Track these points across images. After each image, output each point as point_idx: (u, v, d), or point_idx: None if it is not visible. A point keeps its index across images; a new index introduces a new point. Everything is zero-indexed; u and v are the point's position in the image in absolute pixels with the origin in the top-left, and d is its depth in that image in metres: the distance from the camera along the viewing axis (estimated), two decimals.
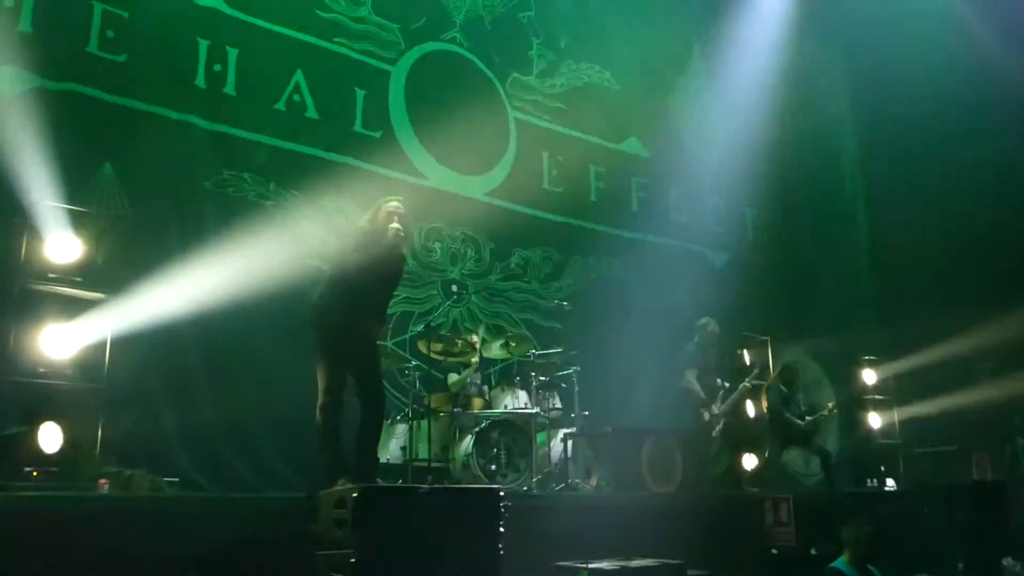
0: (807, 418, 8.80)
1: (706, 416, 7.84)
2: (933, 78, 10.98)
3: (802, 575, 5.97)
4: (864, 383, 10.26)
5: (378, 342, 5.50)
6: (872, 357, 10.36)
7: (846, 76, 13.07)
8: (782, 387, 8.81)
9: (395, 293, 5.82)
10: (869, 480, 9.88)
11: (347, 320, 5.13)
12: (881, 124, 12.18)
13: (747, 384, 8.13)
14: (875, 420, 10.17)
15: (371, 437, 5.22)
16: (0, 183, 5.63)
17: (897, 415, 10.18)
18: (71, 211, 5.36)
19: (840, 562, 5.65)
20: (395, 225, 5.25)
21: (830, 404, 9.44)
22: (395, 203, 5.39)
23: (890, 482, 9.80)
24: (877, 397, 10.30)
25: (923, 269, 10.87)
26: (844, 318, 11.24)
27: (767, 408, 8.74)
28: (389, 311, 7.98)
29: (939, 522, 7.09)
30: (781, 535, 6.32)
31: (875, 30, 11.95)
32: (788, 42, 11.71)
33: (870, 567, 5.65)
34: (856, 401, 10.25)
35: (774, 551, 6.16)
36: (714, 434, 7.84)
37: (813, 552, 6.12)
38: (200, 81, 7.43)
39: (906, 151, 11.46)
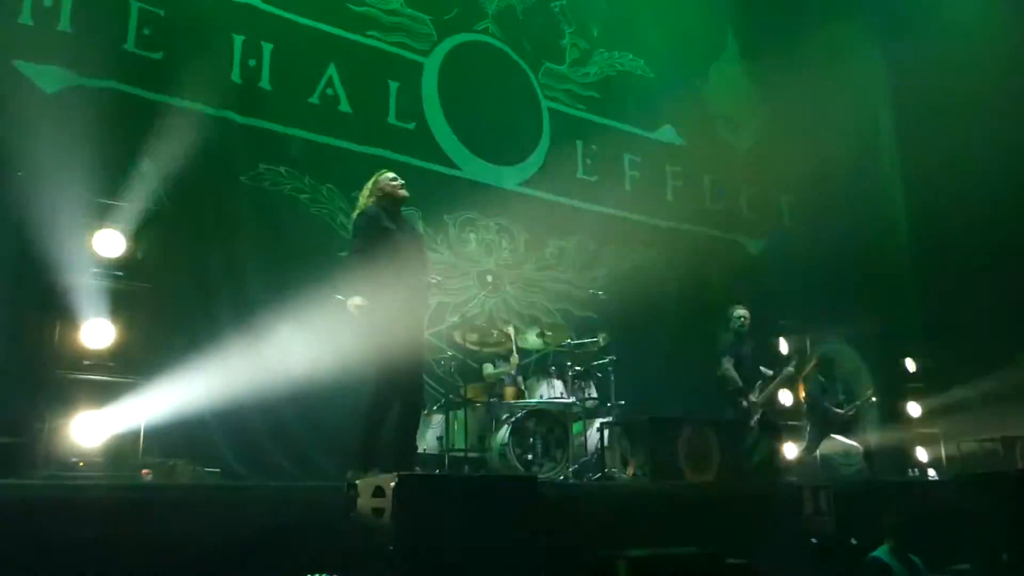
0: (846, 406, 8.70)
1: (744, 404, 7.79)
2: (973, 56, 10.76)
3: (842, 565, 5.91)
4: (904, 370, 10.14)
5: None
6: (912, 345, 10.23)
7: (883, 57, 12.86)
8: (820, 376, 8.72)
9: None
10: (911, 469, 9.77)
11: (399, 308, 5.18)
12: (920, 105, 11.95)
13: (787, 370, 8.08)
14: (915, 408, 10.05)
15: (412, 427, 5.28)
16: (42, 180, 5.74)
17: (938, 403, 10.04)
18: (112, 206, 5.46)
19: (881, 551, 5.58)
20: (403, 192, 5.53)
21: (869, 392, 9.33)
22: (392, 173, 5.64)
23: (932, 471, 9.67)
24: (917, 385, 10.17)
25: (964, 254, 10.68)
26: (883, 305, 11.08)
27: (805, 397, 8.66)
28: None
29: (983, 511, 6.97)
30: (821, 524, 6.26)
31: (913, 8, 11.75)
32: (823, 24, 11.55)
33: (912, 557, 5.57)
34: (896, 389, 10.13)
35: (814, 540, 6.10)
36: (752, 423, 7.79)
37: (854, 541, 6.06)
38: (235, 76, 7.51)
39: (945, 132, 11.23)
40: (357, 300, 5.17)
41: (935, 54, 11.35)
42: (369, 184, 5.70)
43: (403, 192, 5.60)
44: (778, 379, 8.03)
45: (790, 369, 8.21)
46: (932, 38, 11.43)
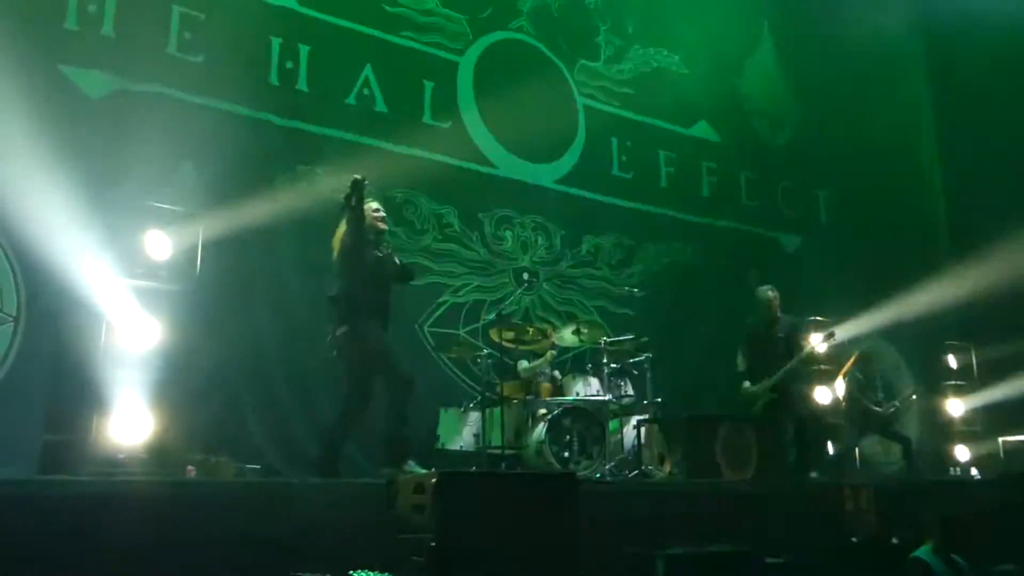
0: (885, 404, 8.59)
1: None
2: (1014, 49, 10.58)
3: (883, 564, 5.85)
4: (946, 368, 10.00)
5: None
6: (953, 342, 10.09)
7: (922, 49, 12.67)
8: (858, 373, 8.61)
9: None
10: (952, 468, 9.65)
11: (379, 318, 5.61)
12: (960, 99, 11.78)
13: (793, 363, 7.54)
14: (956, 406, 9.92)
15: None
16: (88, 183, 5.86)
17: (980, 400, 9.90)
18: (156, 209, 5.57)
19: (923, 551, 5.51)
20: (382, 225, 5.75)
21: (909, 390, 9.22)
22: (376, 204, 5.82)
23: (974, 470, 9.55)
24: (959, 383, 10.03)
25: (1005, 248, 10.48)
26: (924, 301, 10.91)
27: (844, 395, 8.57)
28: (461, 299, 8.17)
29: None
30: (861, 523, 6.20)
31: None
32: (861, 15, 11.41)
33: (955, 556, 5.51)
34: (937, 387, 10.00)
35: (854, 539, 6.05)
36: (755, 408, 7.48)
37: (895, 541, 6.00)
38: (273, 79, 7.61)
39: (987, 125, 11.06)
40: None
41: (976, 45, 11.18)
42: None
43: (383, 225, 5.80)
44: (785, 368, 7.49)
45: (792, 362, 7.80)
46: (974, 29, 11.25)
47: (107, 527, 3.91)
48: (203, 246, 5.88)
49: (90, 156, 6.16)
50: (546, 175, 9.15)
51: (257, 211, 7.10)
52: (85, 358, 5.33)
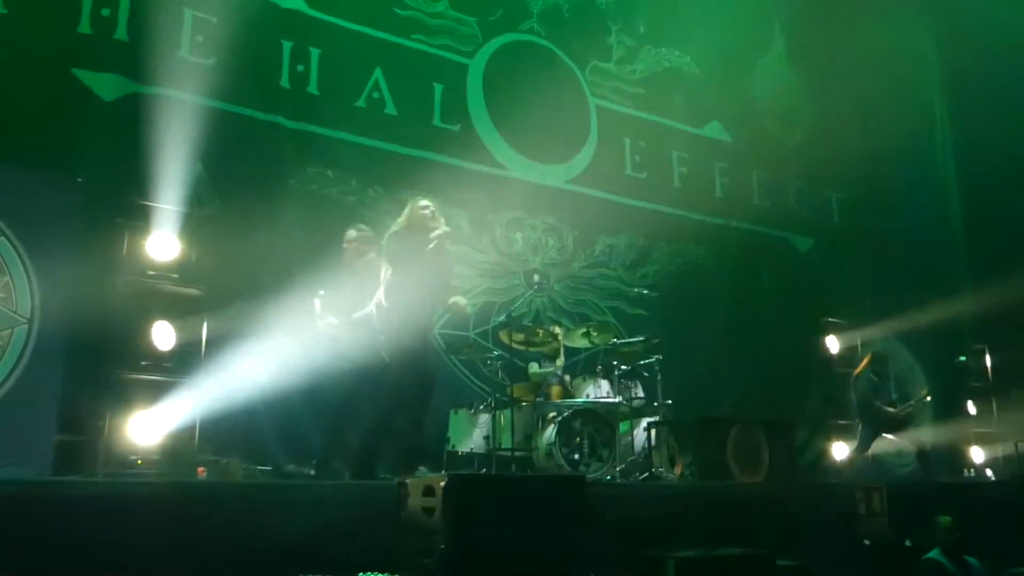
0: (899, 406, 8.53)
1: None
2: None
3: (896, 566, 5.82)
4: (961, 369, 9.95)
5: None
6: (968, 343, 10.03)
7: (935, 49, 12.62)
8: (872, 375, 8.56)
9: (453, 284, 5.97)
10: (966, 469, 9.59)
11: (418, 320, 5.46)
12: (974, 98, 11.70)
13: None
14: (971, 407, 9.85)
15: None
16: (101, 185, 5.90)
17: (995, 402, 9.82)
18: (167, 210, 5.60)
19: (936, 553, 5.50)
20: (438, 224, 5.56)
21: (923, 391, 9.16)
22: (425, 201, 5.71)
23: (989, 472, 9.48)
24: (974, 384, 9.96)
25: (1022, 248, 10.42)
26: (938, 302, 10.85)
27: (857, 396, 8.53)
28: (471, 302, 8.16)
29: None
30: (874, 525, 6.17)
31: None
32: (874, 17, 11.36)
33: (968, 558, 5.48)
34: (951, 387, 9.93)
35: (867, 542, 6.02)
36: None
37: (908, 543, 5.97)
38: (284, 82, 7.63)
39: (1001, 125, 10.98)
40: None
41: (990, 45, 11.11)
42: (409, 206, 5.81)
43: (431, 225, 5.61)
44: None
45: None
46: (987, 28, 11.18)
47: (119, 528, 3.94)
48: (214, 248, 5.90)
49: (103, 159, 6.20)
50: (558, 176, 9.15)
51: (268, 212, 7.14)
52: (98, 358, 5.37)
